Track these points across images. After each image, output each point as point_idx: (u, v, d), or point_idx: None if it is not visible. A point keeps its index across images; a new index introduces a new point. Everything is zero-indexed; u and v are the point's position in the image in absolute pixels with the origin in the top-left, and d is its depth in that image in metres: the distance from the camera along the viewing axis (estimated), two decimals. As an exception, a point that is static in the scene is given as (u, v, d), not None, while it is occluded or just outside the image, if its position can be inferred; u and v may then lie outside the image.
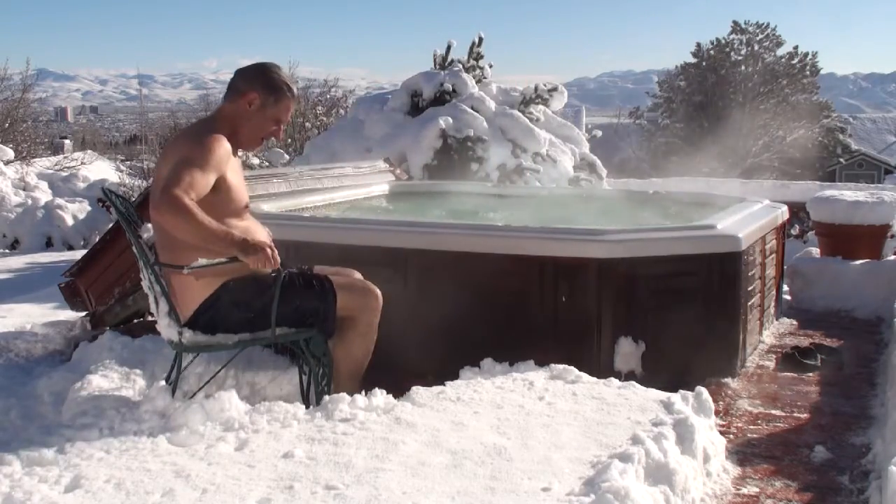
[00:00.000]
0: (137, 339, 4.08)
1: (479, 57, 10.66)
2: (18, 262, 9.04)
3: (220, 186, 2.98)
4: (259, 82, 3.10)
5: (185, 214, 2.75)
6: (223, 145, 3.00)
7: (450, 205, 6.50)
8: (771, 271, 4.84)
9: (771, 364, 4.30)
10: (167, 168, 2.91)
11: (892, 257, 6.56)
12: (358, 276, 3.42)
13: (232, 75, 3.21)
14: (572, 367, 3.28)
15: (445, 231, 4.12)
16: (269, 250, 2.86)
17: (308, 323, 3.14)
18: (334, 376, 3.21)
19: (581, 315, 3.78)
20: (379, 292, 3.26)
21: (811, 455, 3.09)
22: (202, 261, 2.91)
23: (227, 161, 3.02)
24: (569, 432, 2.67)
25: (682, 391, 3.02)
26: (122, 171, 15.53)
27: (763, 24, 35.23)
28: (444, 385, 3.11)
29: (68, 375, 3.68)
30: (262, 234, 3.17)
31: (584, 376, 3.22)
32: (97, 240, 5.61)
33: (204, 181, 2.87)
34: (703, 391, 3.04)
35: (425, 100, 9.82)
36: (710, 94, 33.48)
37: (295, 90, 3.19)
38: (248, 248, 2.84)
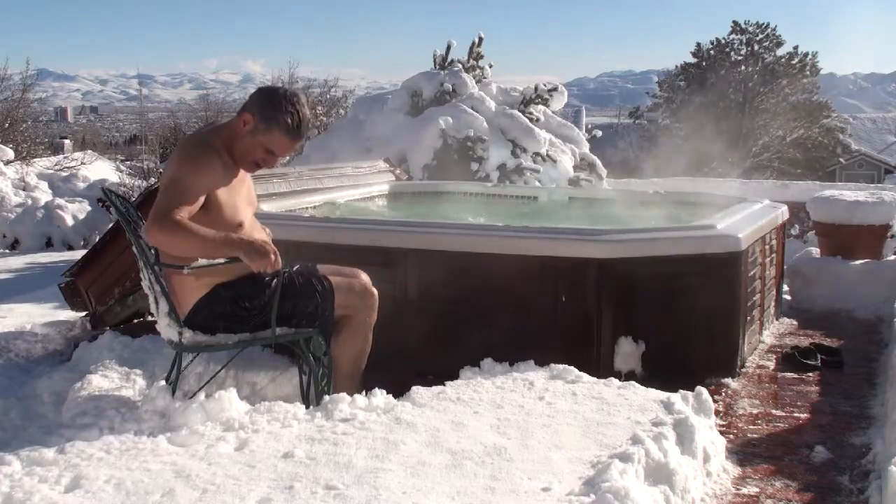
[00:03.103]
0: (137, 339, 4.08)
1: (479, 57, 10.67)
2: (18, 262, 9.02)
3: (211, 205, 2.94)
4: (257, 106, 3.01)
5: (179, 232, 2.76)
6: (213, 163, 2.96)
7: (450, 205, 6.50)
8: (771, 271, 4.84)
9: (771, 364, 4.30)
10: (162, 184, 2.93)
11: (892, 257, 6.56)
12: (363, 277, 3.40)
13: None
14: (572, 367, 3.28)
15: (445, 231, 4.12)
16: (271, 256, 2.87)
17: (307, 323, 3.13)
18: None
19: (581, 315, 3.78)
20: (375, 291, 3.27)
21: (811, 455, 3.09)
22: (202, 261, 2.91)
23: (219, 179, 2.97)
24: (569, 432, 2.67)
25: (682, 391, 3.02)
26: (122, 171, 15.51)
27: (763, 24, 35.19)
28: (444, 385, 3.11)
29: (68, 375, 3.68)
30: (261, 234, 3.16)
31: (584, 376, 3.22)
32: (97, 240, 5.61)
33: (193, 198, 2.86)
34: (703, 391, 3.04)
35: (425, 100, 9.83)
36: (710, 94, 33.44)
37: (298, 129, 3.02)
38: (251, 250, 2.86)
